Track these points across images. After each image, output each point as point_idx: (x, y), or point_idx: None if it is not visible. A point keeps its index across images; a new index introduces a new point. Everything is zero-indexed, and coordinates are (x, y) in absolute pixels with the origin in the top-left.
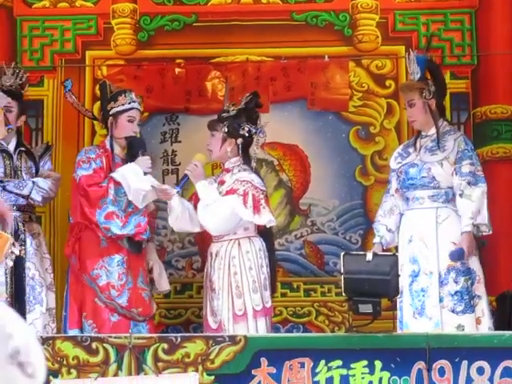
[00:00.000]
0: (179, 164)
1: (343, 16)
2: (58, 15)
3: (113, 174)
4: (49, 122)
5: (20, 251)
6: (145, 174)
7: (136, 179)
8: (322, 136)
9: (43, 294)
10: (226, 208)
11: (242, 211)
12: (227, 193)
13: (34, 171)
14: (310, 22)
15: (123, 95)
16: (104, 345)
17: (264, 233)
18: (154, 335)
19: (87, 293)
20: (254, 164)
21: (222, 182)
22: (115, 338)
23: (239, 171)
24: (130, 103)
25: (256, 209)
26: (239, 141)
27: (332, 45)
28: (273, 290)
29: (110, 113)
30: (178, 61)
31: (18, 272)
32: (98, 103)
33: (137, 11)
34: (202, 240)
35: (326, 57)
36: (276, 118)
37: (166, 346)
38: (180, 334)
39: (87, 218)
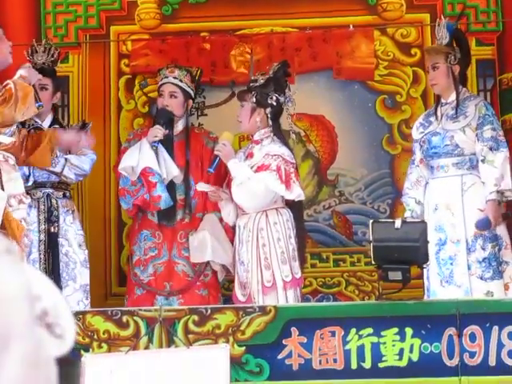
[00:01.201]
0: None
1: None
2: None
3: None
4: (74, 99)
5: (54, 228)
6: (154, 143)
7: (127, 155)
8: (348, 106)
9: (76, 270)
10: (260, 185)
11: (277, 187)
12: (259, 169)
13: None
14: None
15: (159, 73)
16: (134, 318)
17: (292, 204)
18: (185, 307)
19: (128, 270)
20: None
21: (250, 155)
22: (145, 311)
23: (269, 143)
24: (162, 79)
25: (287, 183)
26: (268, 110)
27: (357, 14)
28: (302, 261)
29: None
30: (202, 34)
31: (51, 248)
32: (124, 78)
33: None
34: None
35: (351, 26)
36: (302, 89)
37: (196, 317)
38: (210, 306)
39: None
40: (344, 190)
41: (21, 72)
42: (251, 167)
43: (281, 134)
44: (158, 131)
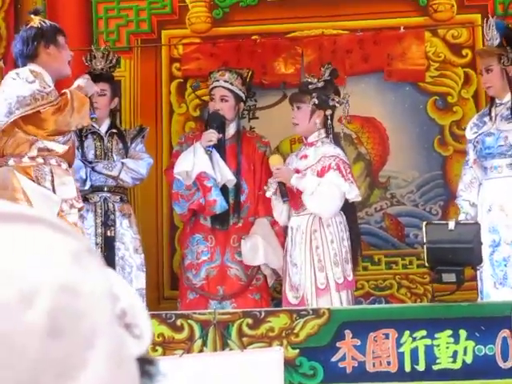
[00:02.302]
0: None
1: None
2: None
3: None
4: (126, 103)
5: (110, 231)
6: (208, 148)
7: (180, 159)
8: (399, 107)
9: (133, 274)
10: (332, 187)
11: (344, 186)
12: (319, 173)
13: (124, 153)
14: None
15: (209, 77)
16: (189, 321)
17: (345, 206)
18: (238, 310)
19: (180, 273)
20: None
21: (305, 157)
22: (199, 314)
23: (323, 145)
24: (213, 83)
25: (349, 182)
26: (328, 112)
27: (407, 15)
28: (355, 264)
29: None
30: (253, 37)
31: (107, 252)
32: (175, 82)
33: None
34: None
35: (402, 28)
36: (353, 91)
37: (250, 320)
38: (264, 309)
39: None
40: (396, 192)
41: (78, 82)
42: (306, 168)
43: (335, 136)
44: (213, 135)
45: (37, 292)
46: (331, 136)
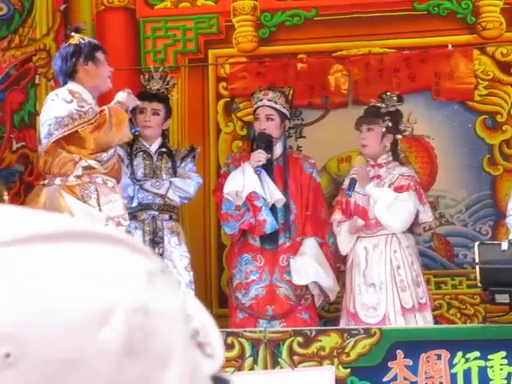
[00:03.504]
0: None
1: (465, 3)
2: (180, 15)
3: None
4: (174, 122)
5: (158, 249)
6: (257, 168)
7: (230, 179)
8: (447, 126)
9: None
10: (409, 204)
11: (419, 207)
12: (397, 189)
13: (173, 172)
14: (432, 10)
15: (252, 97)
16: (239, 339)
17: (409, 228)
18: (289, 329)
19: (228, 293)
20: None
21: (378, 177)
22: (250, 332)
23: (396, 166)
24: (256, 102)
25: (424, 204)
26: (398, 136)
27: (455, 33)
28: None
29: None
30: (299, 56)
31: None
32: (222, 101)
33: (257, 8)
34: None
35: (450, 46)
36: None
37: (300, 339)
38: (315, 328)
39: None
40: (444, 212)
41: (118, 97)
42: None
43: (402, 158)
44: (261, 155)
45: (112, 311)
46: (400, 159)
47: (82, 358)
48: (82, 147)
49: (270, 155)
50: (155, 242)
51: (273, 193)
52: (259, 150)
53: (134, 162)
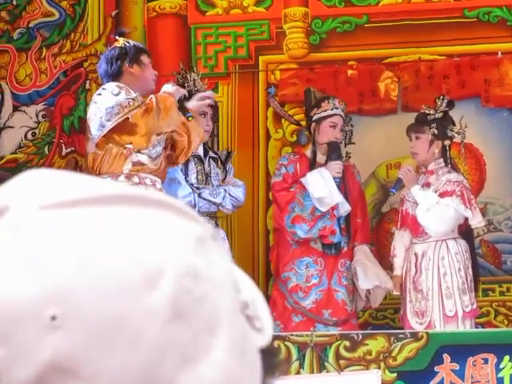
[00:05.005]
0: (354, 166)
1: None
2: (231, 22)
3: (301, 179)
4: (224, 128)
5: None
6: (335, 178)
7: (316, 184)
8: (497, 133)
9: None
10: (450, 210)
11: (465, 212)
12: (443, 194)
13: (220, 177)
14: (482, 18)
15: (326, 101)
16: (286, 343)
17: (465, 233)
18: (336, 332)
19: (278, 295)
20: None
21: (427, 184)
22: (297, 335)
23: (446, 172)
24: (332, 109)
25: (471, 209)
26: (446, 142)
27: (505, 41)
28: (476, 291)
29: (314, 118)
30: (350, 62)
31: None
32: (272, 108)
33: (308, 15)
34: (378, 241)
35: (500, 53)
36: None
37: (347, 343)
38: (361, 332)
39: (278, 223)
40: (493, 219)
41: (164, 89)
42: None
43: (454, 164)
44: (340, 167)
45: (161, 274)
46: (450, 165)
47: (129, 320)
48: (134, 133)
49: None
50: None
51: (343, 202)
52: (338, 162)
53: (189, 167)
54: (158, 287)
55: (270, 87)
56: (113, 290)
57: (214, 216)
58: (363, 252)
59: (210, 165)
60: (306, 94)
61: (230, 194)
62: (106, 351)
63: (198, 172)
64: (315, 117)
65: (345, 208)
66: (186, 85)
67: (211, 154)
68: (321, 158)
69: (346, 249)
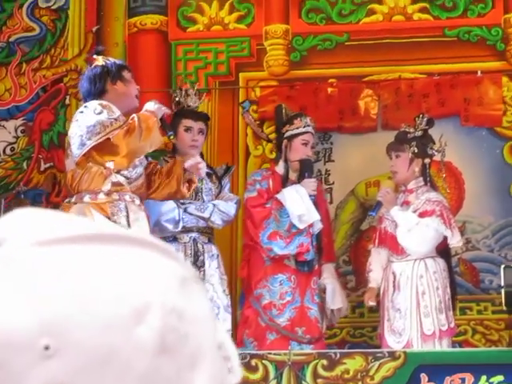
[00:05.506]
0: (333, 183)
1: (495, 31)
2: (212, 38)
3: (277, 195)
4: (204, 144)
5: (199, 273)
6: (310, 196)
7: (294, 201)
8: (475, 152)
9: (220, 315)
10: (430, 230)
11: (446, 231)
12: (422, 214)
13: (213, 193)
14: (462, 37)
15: (299, 119)
16: (263, 361)
17: (443, 252)
18: (313, 351)
19: (251, 312)
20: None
21: (407, 203)
22: (274, 354)
23: (425, 191)
24: (304, 127)
25: (451, 228)
26: (426, 161)
27: (485, 60)
28: (454, 309)
29: (285, 135)
30: (330, 80)
31: None
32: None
33: (289, 32)
34: (356, 259)
35: (479, 72)
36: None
37: (325, 362)
38: (339, 350)
39: (252, 239)
40: (471, 237)
41: (146, 107)
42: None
43: (433, 183)
44: (315, 185)
45: (148, 310)
46: (429, 183)
47: (118, 354)
48: (116, 154)
49: None
50: (196, 265)
51: (317, 220)
52: (313, 179)
53: None
54: (145, 321)
55: (245, 102)
56: (103, 324)
57: (206, 232)
58: (330, 271)
59: (201, 180)
60: (276, 110)
61: (218, 209)
62: (96, 381)
63: None
64: (287, 134)
65: (318, 226)
66: (179, 100)
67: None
68: (292, 174)
69: (317, 267)
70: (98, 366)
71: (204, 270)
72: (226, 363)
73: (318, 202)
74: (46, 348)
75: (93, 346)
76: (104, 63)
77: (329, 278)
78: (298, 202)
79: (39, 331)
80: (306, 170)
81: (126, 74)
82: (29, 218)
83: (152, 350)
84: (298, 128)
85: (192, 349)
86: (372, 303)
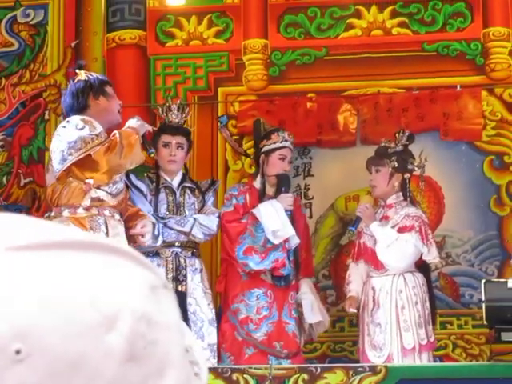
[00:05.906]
0: (312, 198)
1: (475, 45)
2: (191, 53)
3: (253, 210)
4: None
5: (181, 287)
6: (286, 211)
7: (269, 216)
8: (455, 166)
9: (204, 329)
10: (409, 246)
11: (422, 248)
12: (401, 230)
13: (196, 207)
14: (442, 52)
15: (276, 133)
16: (244, 376)
17: (422, 267)
18: (294, 366)
19: (228, 327)
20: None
21: (386, 218)
22: (255, 368)
23: (404, 206)
24: (282, 142)
25: (428, 244)
26: (406, 176)
27: (464, 74)
28: (434, 324)
29: (262, 150)
30: (309, 95)
31: (179, 307)
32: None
33: (268, 46)
34: (336, 273)
35: (459, 86)
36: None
37: (306, 376)
38: (320, 365)
39: (228, 254)
40: (451, 252)
41: (128, 123)
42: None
43: (412, 198)
44: (291, 199)
45: (118, 317)
46: (409, 198)
47: (87, 360)
48: (96, 170)
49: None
50: (178, 279)
51: (294, 235)
52: (290, 194)
53: (159, 198)
54: (115, 328)
55: (222, 116)
56: (73, 330)
57: (189, 246)
58: (307, 286)
59: (183, 195)
60: (254, 125)
61: (199, 223)
62: None
63: (168, 202)
64: (264, 148)
65: (295, 241)
66: (171, 115)
67: (187, 183)
68: (269, 189)
69: (294, 282)
70: (67, 372)
71: (186, 284)
72: (192, 367)
73: (295, 216)
74: (18, 352)
75: (63, 352)
76: (87, 78)
77: (307, 292)
78: (274, 217)
79: (11, 335)
80: (283, 184)
81: (109, 89)
82: (1, 224)
83: (120, 356)
84: (275, 143)
85: (160, 355)
86: (353, 310)
